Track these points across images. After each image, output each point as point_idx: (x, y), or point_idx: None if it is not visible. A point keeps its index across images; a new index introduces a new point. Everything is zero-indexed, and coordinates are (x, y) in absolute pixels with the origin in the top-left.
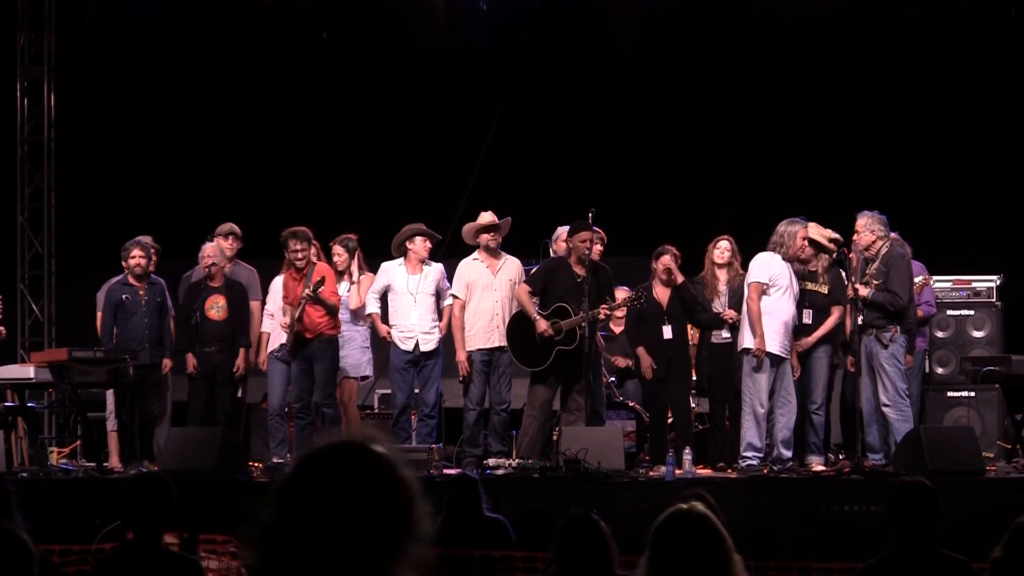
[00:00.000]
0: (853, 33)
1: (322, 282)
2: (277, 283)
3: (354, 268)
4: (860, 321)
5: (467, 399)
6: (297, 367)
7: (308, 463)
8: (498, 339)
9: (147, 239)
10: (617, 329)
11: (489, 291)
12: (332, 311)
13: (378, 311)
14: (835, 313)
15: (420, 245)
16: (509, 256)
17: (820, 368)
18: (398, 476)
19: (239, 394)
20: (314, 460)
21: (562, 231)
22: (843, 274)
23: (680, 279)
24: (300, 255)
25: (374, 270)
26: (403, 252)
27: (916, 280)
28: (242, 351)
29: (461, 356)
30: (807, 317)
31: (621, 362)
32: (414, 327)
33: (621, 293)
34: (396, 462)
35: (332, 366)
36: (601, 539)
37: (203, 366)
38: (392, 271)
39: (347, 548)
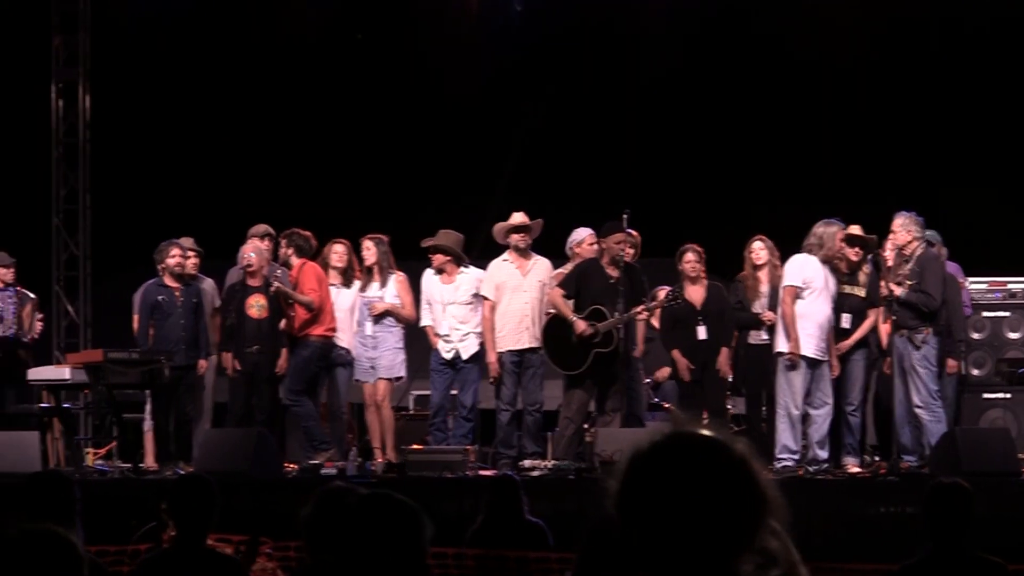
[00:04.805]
0: (889, 29)
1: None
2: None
3: (380, 267)
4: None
5: (499, 400)
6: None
7: (649, 458)
8: (528, 340)
9: (188, 241)
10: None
11: (519, 292)
12: (307, 307)
13: (431, 323)
14: (871, 316)
15: (438, 259)
16: (539, 257)
17: (856, 369)
18: (747, 460)
19: (279, 394)
20: (657, 452)
21: (579, 234)
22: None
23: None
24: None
25: (405, 271)
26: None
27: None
28: (284, 351)
29: (492, 357)
30: (846, 321)
31: (661, 375)
32: (450, 336)
33: (663, 293)
34: (739, 447)
35: (304, 362)
36: None
37: (243, 366)
38: (428, 281)
39: (704, 533)
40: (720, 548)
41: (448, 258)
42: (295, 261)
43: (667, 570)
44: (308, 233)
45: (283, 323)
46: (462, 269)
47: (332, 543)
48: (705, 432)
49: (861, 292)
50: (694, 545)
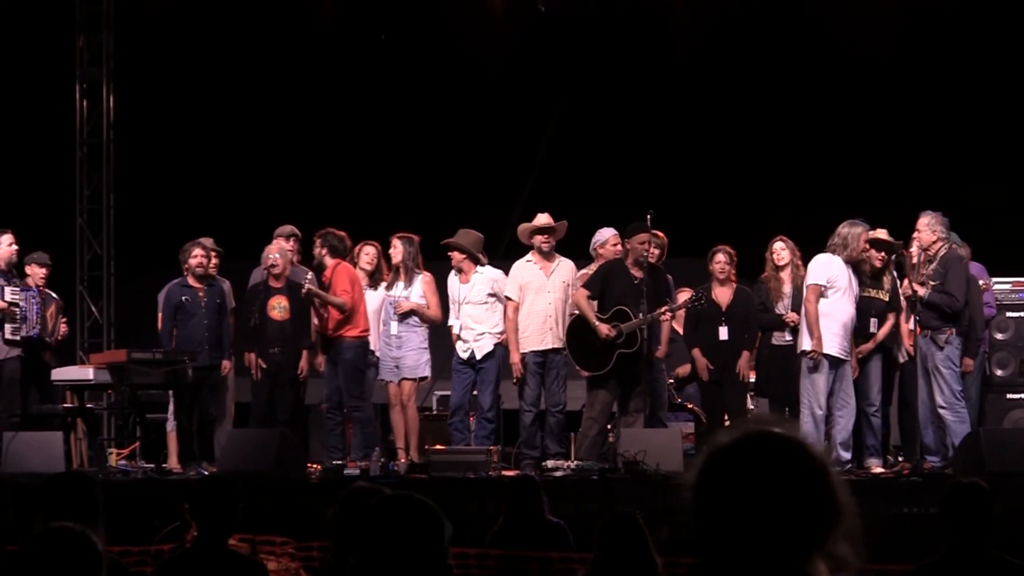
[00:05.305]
0: (915, 29)
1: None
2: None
3: (406, 267)
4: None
5: (522, 401)
6: (328, 366)
7: (728, 455)
8: (551, 341)
9: (208, 241)
10: (681, 328)
11: (542, 293)
12: (339, 309)
13: (454, 323)
14: (891, 319)
15: (455, 258)
16: (563, 258)
17: (874, 370)
18: (824, 463)
19: (301, 395)
20: (738, 449)
21: (602, 235)
22: (896, 276)
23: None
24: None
25: (434, 272)
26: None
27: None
28: (305, 353)
29: (515, 358)
30: (874, 326)
31: (682, 371)
32: (466, 335)
33: (685, 294)
34: (817, 450)
35: (353, 368)
36: (642, 538)
37: (266, 366)
38: (450, 281)
39: (777, 533)
40: (792, 549)
41: (464, 256)
42: (329, 261)
43: (738, 567)
44: (342, 233)
45: (316, 324)
46: (478, 269)
47: (356, 543)
48: (786, 433)
49: (885, 296)
50: (766, 544)
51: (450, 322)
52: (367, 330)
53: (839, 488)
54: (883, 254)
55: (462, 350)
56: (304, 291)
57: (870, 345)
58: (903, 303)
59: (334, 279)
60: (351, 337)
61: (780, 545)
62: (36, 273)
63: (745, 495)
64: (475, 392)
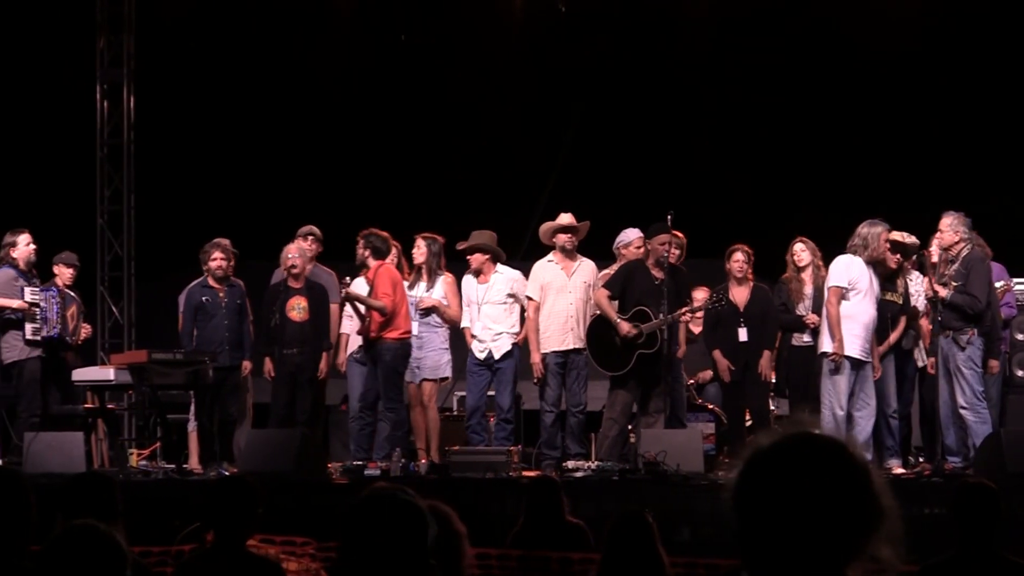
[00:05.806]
0: (937, 29)
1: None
2: (358, 284)
3: (429, 267)
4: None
5: (543, 401)
6: (367, 366)
7: (770, 457)
8: (572, 341)
9: (225, 241)
10: (697, 329)
11: (563, 293)
12: (380, 312)
13: (469, 325)
14: (903, 322)
15: (476, 259)
16: (584, 258)
17: (891, 372)
18: (867, 466)
19: (320, 395)
20: (779, 451)
21: (627, 235)
22: (916, 277)
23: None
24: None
25: (451, 273)
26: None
27: (997, 285)
28: (324, 354)
29: (536, 358)
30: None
31: (704, 376)
32: (482, 336)
33: (701, 293)
34: (859, 453)
35: (391, 370)
36: (649, 537)
37: (284, 367)
38: (466, 283)
39: (819, 536)
40: (832, 552)
41: (487, 257)
42: (372, 263)
43: (779, 569)
44: (385, 234)
45: (359, 327)
46: (498, 268)
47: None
48: (827, 435)
49: (899, 299)
50: (806, 546)
51: (464, 324)
52: (408, 332)
53: (881, 491)
54: (898, 256)
55: (479, 350)
56: (342, 293)
57: (885, 346)
58: (925, 304)
59: (376, 281)
60: (391, 339)
61: (822, 547)
62: (64, 273)
63: (787, 497)
64: (491, 393)
